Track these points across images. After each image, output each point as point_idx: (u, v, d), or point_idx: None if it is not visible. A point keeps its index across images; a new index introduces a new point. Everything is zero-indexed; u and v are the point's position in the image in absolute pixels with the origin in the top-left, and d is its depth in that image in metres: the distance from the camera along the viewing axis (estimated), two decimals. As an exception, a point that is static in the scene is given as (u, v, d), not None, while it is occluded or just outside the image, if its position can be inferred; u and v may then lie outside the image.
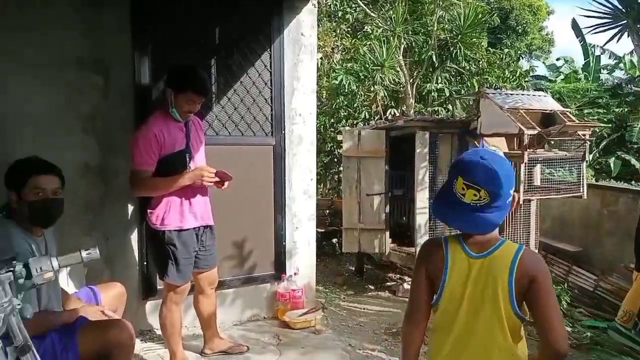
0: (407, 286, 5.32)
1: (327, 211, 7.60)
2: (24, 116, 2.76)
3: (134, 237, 3.12)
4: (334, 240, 7.21)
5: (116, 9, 2.98)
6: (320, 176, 8.39)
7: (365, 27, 7.41)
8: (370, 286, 5.58)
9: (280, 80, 3.54)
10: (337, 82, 7.14)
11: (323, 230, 7.36)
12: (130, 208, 3.10)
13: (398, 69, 7.45)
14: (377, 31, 7.33)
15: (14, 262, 1.30)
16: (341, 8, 7.73)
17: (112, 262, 3.05)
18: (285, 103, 3.56)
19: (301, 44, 3.62)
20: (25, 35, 2.74)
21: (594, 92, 9.42)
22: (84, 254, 1.41)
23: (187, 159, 2.64)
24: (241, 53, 3.39)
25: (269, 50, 3.51)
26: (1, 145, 2.66)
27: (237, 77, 3.41)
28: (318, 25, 8.97)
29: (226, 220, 3.30)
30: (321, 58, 8.02)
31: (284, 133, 3.55)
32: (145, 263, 3.13)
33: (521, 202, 4.83)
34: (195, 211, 2.67)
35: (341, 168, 6.19)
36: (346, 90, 7.12)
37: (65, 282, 2.60)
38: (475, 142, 5.04)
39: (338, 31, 8.39)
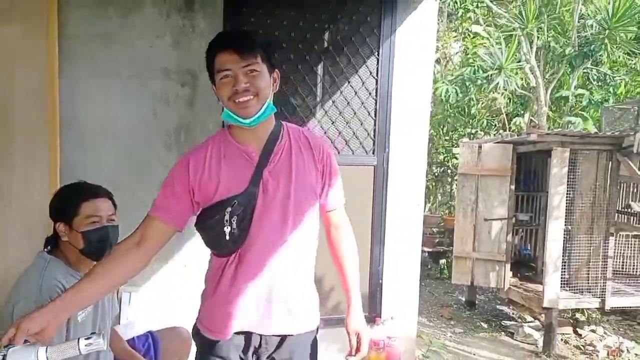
0: (527, 329, 4.50)
1: (435, 229, 6.90)
2: (107, 127, 2.60)
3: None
4: (442, 261, 6.50)
5: (207, 12, 2.71)
6: (430, 190, 7.71)
7: (482, 27, 6.54)
8: (483, 324, 4.84)
9: (388, 90, 3.02)
10: (440, 92, 6.43)
11: (430, 250, 6.71)
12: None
13: (528, 71, 6.49)
14: (492, 31, 6.43)
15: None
16: (462, 5, 6.93)
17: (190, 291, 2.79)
18: (392, 117, 3.03)
19: (416, 47, 3.06)
20: (110, 43, 2.57)
21: None
22: (82, 344, 1.06)
23: (232, 221, 1.36)
24: (344, 59, 2.95)
25: (376, 54, 3.01)
26: (81, 157, 2.52)
27: (337, 86, 2.97)
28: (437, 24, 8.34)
29: (318, 250, 2.90)
30: (438, 61, 7.32)
31: (388, 152, 3.03)
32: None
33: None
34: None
35: (455, 183, 5.48)
36: (449, 101, 6.37)
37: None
38: (630, 162, 4.07)
39: (460, 31, 7.59)
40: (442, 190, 8.04)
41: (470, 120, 6.84)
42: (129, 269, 1.36)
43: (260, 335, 1.45)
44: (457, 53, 7.89)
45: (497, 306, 5.34)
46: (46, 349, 1.04)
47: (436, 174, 7.62)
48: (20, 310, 1.43)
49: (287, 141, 1.45)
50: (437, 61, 8.62)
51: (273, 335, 1.45)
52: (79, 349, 1.06)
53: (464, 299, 5.48)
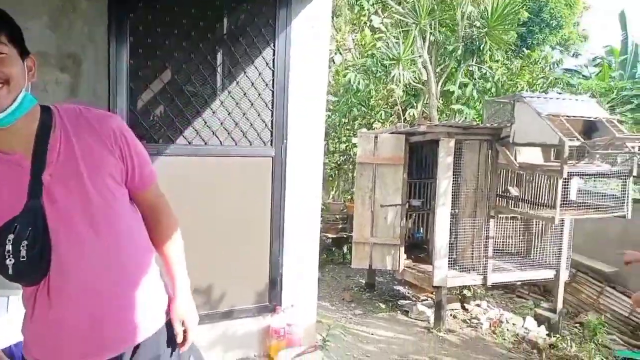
0: (421, 307, 4.84)
1: (338, 216, 7.12)
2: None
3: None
4: (345, 247, 6.74)
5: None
6: (333, 178, 7.92)
7: (380, 20, 6.82)
8: (381, 304, 5.11)
9: (284, 81, 3.04)
10: (348, 80, 6.61)
11: (334, 236, 6.91)
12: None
13: (421, 65, 6.88)
14: (387, 25, 6.73)
15: None
16: (358, 1, 7.14)
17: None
18: (288, 108, 3.06)
19: (311, 38, 3.11)
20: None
21: (628, 90, 8.69)
22: None
23: (20, 249, 1.11)
24: (240, 49, 2.91)
25: (272, 45, 3.01)
26: None
27: (234, 76, 2.93)
28: (338, 16, 8.50)
29: (213, 242, 2.87)
30: (339, 52, 7.48)
31: (286, 143, 3.06)
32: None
33: (556, 222, 4.30)
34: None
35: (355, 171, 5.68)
36: (355, 89, 6.58)
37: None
38: (507, 151, 4.50)
39: (358, 24, 7.81)
40: (345, 178, 8.28)
41: (370, 111, 7.11)
42: None
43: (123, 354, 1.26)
44: (355, 45, 8.11)
45: (395, 287, 5.67)
46: None
47: (338, 162, 7.83)
48: None
49: (64, 130, 1.18)
50: (339, 52, 8.83)
51: (122, 353, 1.26)
52: None
53: (364, 282, 5.73)
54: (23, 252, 1.10)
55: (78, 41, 2.52)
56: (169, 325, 1.39)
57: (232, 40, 2.90)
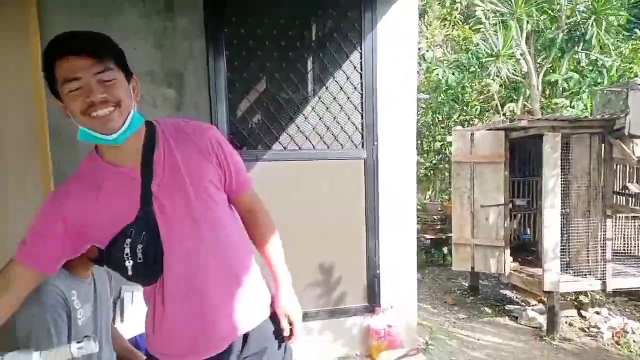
0: (531, 313, 4.52)
1: (436, 216, 6.92)
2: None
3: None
4: (445, 249, 6.52)
5: (188, 13, 2.72)
6: (429, 178, 7.72)
7: (476, 13, 6.53)
8: (486, 309, 4.85)
9: (372, 84, 3.05)
10: (437, 77, 6.41)
11: (432, 237, 6.73)
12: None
13: (520, 56, 6.48)
14: (489, 17, 6.40)
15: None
16: (450, -7, 6.93)
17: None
18: (377, 110, 3.06)
19: (398, 38, 3.08)
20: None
21: None
22: (74, 348, 1.09)
23: (136, 252, 1.22)
24: (327, 54, 2.98)
25: (359, 48, 3.04)
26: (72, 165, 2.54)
27: (322, 82, 3.00)
28: (427, 13, 8.32)
29: (311, 244, 2.95)
30: (429, 49, 7.31)
31: (377, 144, 3.06)
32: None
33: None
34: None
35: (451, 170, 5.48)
36: (445, 86, 6.35)
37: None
38: (623, 144, 4.07)
39: (449, 19, 7.58)
40: (441, 177, 8.04)
41: (464, 107, 6.84)
42: None
43: (229, 348, 1.35)
44: (446, 40, 7.87)
45: (501, 291, 5.36)
46: (40, 353, 1.07)
47: (434, 162, 7.63)
48: (22, 322, 1.47)
49: (166, 143, 1.27)
50: (430, 48, 8.63)
51: (233, 341, 1.35)
52: (70, 353, 1.09)
53: (467, 285, 5.50)
54: (139, 255, 1.21)
55: (180, 58, 2.74)
56: (273, 319, 1.44)
57: (319, 46, 2.97)
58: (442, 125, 7.24)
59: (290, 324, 1.45)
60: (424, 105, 7.68)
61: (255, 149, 2.87)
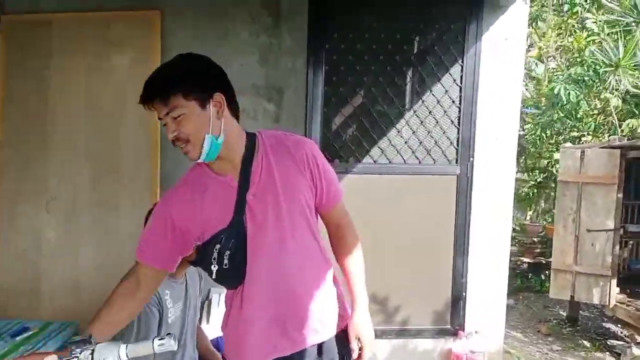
0: (637, 351, 4.09)
1: (536, 239, 6.49)
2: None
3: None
4: (543, 274, 6.10)
5: (293, 30, 2.86)
6: (531, 197, 7.26)
7: (594, 19, 5.99)
8: (585, 342, 4.48)
9: (472, 98, 2.96)
10: (554, 92, 5.97)
11: (530, 261, 6.34)
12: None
13: (645, 67, 5.86)
14: (603, 27, 5.84)
15: (87, 347, 1.16)
16: (568, 0, 6.44)
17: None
18: (476, 125, 2.96)
19: (504, 51, 2.97)
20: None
21: None
22: (156, 344, 1.20)
23: (223, 257, 1.30)
24: (426, 67, 2.94)
25: (460, 61, 2.96)
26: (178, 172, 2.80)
27: (419, 95, 2.97)
28: (541, 21, 7.82)
29: (395, 259, 2.94)
30: (540, 61, 6.88)
31: (472, 161, 2.97)
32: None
33: None
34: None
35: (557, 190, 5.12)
36: (565, 102, 5.90)
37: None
38: None
39: (564, 27, 7.07)
40: (545, 198, 7.52)
41: (577, 124, 6.33)
42: (129, 315, 1.38)
43: (293, 355, 1.39)
44: (560, 51, 7.34)
45: (603, 324, 4.90)
46: (126, 346, 1.21)
47: (538, 180, 7.15)
48: None
49: (265, 154, 1.34)
50: (541, 60, 8.12)
51: (302, 350, 1.39)
52: (152, 348, 1.21)
53: (565, 315, 5.10)
54: (226, 261, 1.29)
55: (282, 74, 2.88)
56: (340, 338, 1.46)
57: (419, 59, 2.95)
58: (551, 142, 6.77)
59: (360, 347, 1.45)
60: (530, 120, 7.23)
61: (346, 162, 2.93)
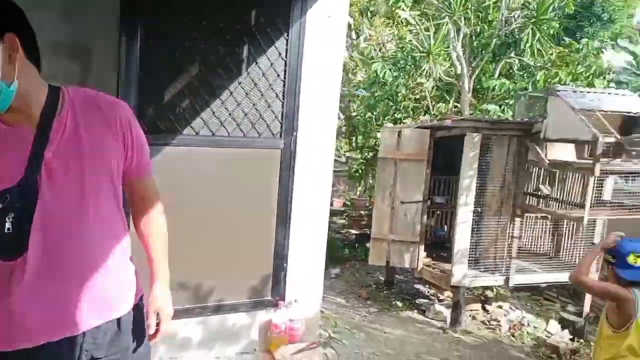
0: (438, 307, 4.71)
1: (363, 212, 7.04)
2: None
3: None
4: (368, 244, 6.65)
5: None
6: (360, 174, 7.82)
7: (407, 12, 6.63)
8: (398, 303, 5.01)
9: (297, 72, 3.00)
10: (374, 72, 6.48)
11: (358, 232, 6.85)
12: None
13: (455, 58, 6.67)
14: (416, 17, 6.52)
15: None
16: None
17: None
18: (300, 99, 3.02)
19: (327, 28, 3.06)
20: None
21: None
22: None
23: (5, 220, 1.10)
24: (251, 38, 2.88)
25: (285, 35, 2.97)
26: None
27: (245, 66, 2.91)
28: (373, 12, 8.35)
29: (215, 234, 2.87)
30: (373, 47, 7.37)
31: (296, 134, 3.03)
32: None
33: (585, 222, 4.09)
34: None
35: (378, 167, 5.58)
36: (382, 81, 6.44)
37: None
38: (538, 148, 4.29)
39: (392, 17, 7.66)
40: (373, 174, 8.18)
41: (399, 105, 6.97)
42: None
43: (84, 333, 1.22)
44: (390, 40, 7.97)
45: (415, 285, 5.55)
46: None
47: (367, 158, 7.73)
48: None
49: (72, 111, 1.19)
50: (373, 47, 8.70)
51: (94, 328, 1.24)
52: None
53: (383, 279, 5.65)
54: (8, 225, 1.09)
55: (90, 31, 2.56)
56: (137, 314, 1.36)
57: (244, 29, 2.87)
58: (378, 123, 7.34)
59: (158, 322, 1.41)
60: (360, 102, 7.74)
61: (163, 132, 2.75)
